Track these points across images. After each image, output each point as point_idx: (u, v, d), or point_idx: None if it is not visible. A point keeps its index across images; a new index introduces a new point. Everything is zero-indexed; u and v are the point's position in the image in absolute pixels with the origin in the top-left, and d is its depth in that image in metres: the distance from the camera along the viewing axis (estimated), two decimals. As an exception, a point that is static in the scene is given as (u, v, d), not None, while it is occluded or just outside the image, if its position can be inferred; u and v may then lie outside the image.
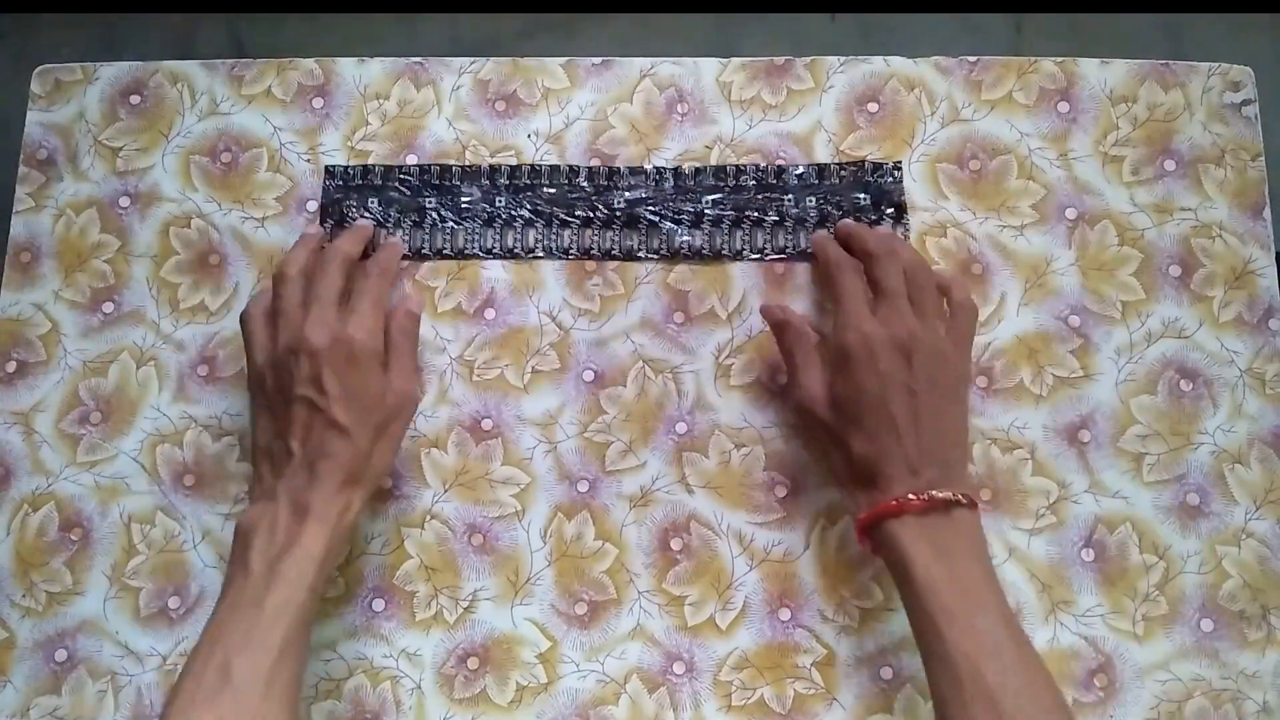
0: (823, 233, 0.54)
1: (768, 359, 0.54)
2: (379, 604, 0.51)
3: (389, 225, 0.56)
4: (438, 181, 0.56)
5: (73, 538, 0.53)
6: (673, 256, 0.55)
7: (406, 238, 0.55)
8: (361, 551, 0.52)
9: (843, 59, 0.58)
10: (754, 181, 0.56)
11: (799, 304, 0.54)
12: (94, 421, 0.54)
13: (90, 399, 0.54)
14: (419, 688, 0.50)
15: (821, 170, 0.56)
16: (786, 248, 0.55)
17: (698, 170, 0.56)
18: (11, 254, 0.56)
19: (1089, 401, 0.53)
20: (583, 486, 0.53)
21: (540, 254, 0.55)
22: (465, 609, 0.51)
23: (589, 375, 0.54)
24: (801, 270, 0.55)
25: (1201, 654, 0.50)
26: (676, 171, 0.56)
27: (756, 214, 0.55)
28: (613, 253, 0.55)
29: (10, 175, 0.57)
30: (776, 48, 0.59)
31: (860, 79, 0.57)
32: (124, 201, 0.57)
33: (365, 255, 0.54)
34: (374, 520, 0.52)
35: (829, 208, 0.55)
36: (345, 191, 0.56)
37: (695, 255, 0.55)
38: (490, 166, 0.56)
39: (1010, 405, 0.53)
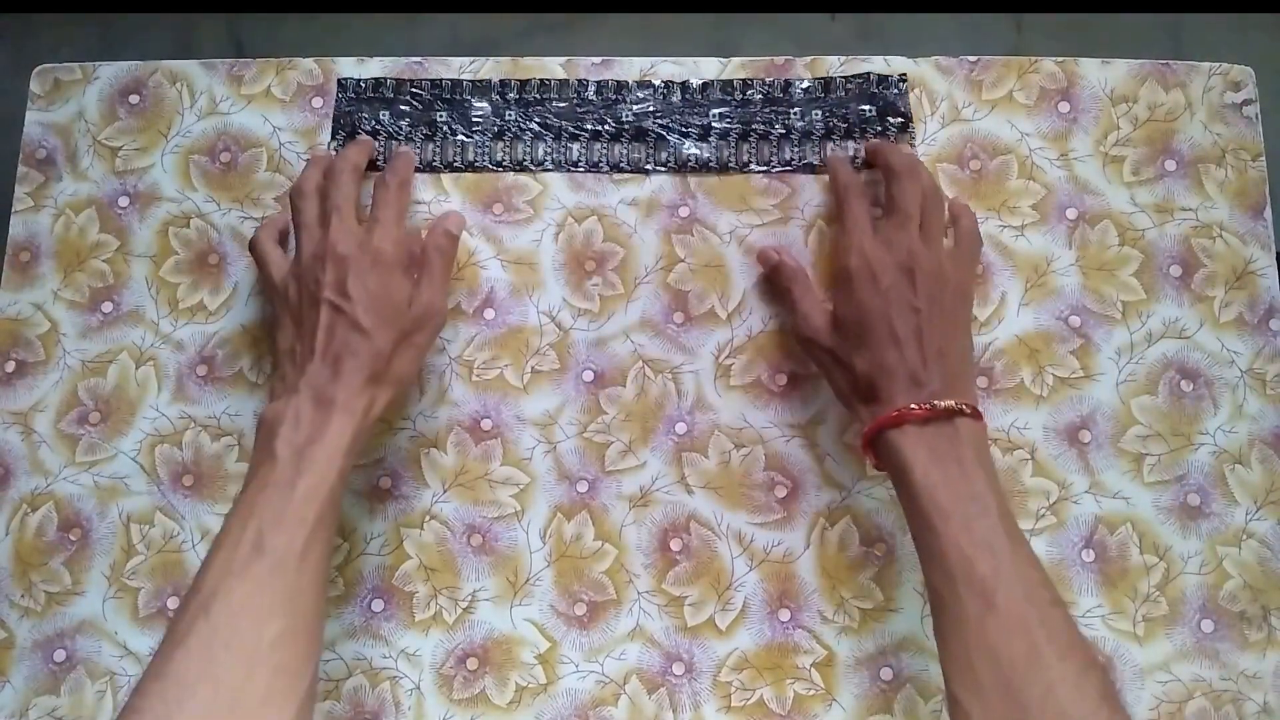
0: (839, 153, 0.55)
1: (768, 359, 0.54)
2: (378, 604, 0.51)
3: (400, 138, 0.56)
4: (449, 95, 0.57)
5: (72, 538, 0.53)
6: (680, 169, 0.56)
7: (418, 150, 0.56)
8: (361, 551, 0.52)
9: (843, 59, 0.58)
10: (760, 95, 0.56)
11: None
12: (93, 421, 0.54)
13: (89, 399, 0.54)
14: (418, 688, 0.50)
15: (827, 84, 0.57)
16: (792, 160, 0.56)
17: (705, 84, 0.57)
18: (10, 254, 0.56)
19: (1089, 402, 0.53)
20: (582, 487, 0.53)
21: (550, 167, 0.56)
22: (464, 609, 0.51)
23: (589, 375, 0.54)
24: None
25: (1202, 655, 0.50)
26: (684, 85, 0.57)
27: (763, 127, 0.56)
28: (621, 165, 0.56)
29: (9, 175, 0.57)
30: (776, 48, 0.59)
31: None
32: (123, 201, 0.57)
33: (374, 167, 0.55)
34: (373, 520, 0.52)
35: (835, 120, 0.56)
36: (357, 104, 0.57)
37: (703, 168, 0.56)
38: (500, 81, 0.57)
39: (1010, 405, 0.53)
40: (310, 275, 0.48)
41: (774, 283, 0.53)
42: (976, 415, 0.45)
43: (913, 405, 0.44)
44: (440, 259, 0.50)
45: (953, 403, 0.44)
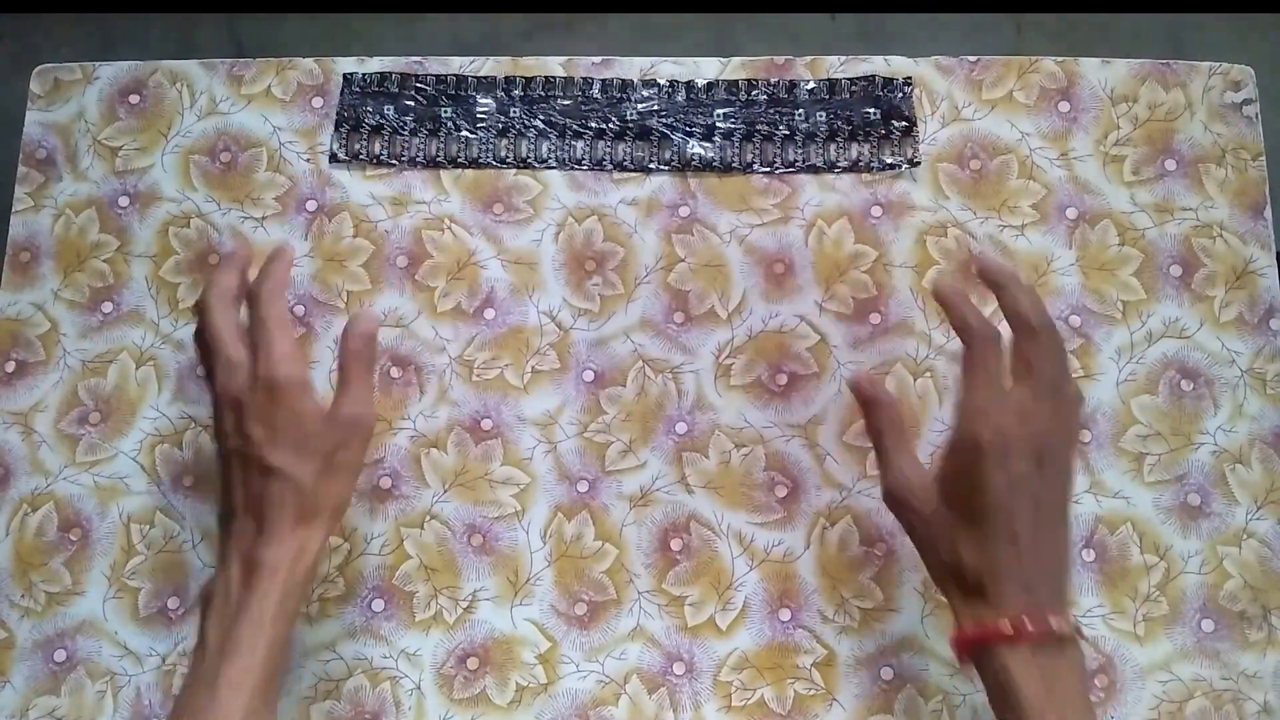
0: (952, 285, 0.45)
1: (768, 359, 0.54)
2: (378, 604, 0.51)
3: (405, 132, 0.56)
4: (454, 91, 0.57)
5: (72, 538, 0.53)
6: (684, 168, 0.55)
7: (422, 146, 0.56)
8: (361, 552, 0.52)
9: (843, 58, 0.58)
10: (765, 96, 0.56)
11: (800, 304, 0.54)
12: (93, 422, 0.54)
13: (89, 399, 0.54)
14: (418, 688, 0.50)
15: (832, 85, 0.57)
16: (795, 162, 0.56)
17: (710, 84, 0.57)
18: (11, 254, 0.56)
19: (1090, 401, 0.53)
20: (583, 486, 0.53)
21: (553, 164, 0.56)
22: (465, 609, 0.51)
23: (589, 375, 0.54)
24: (802, 269, 0.55)
25: (1202, 654, 0.50)
26: (689, 85, 0.57)
27: (767, 128, 0.56)
28: (624, 164, 0.56)
29: (10, 175, 0.57)
30: (776, 48, 0.59)
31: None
32: (123, 201, 0.57)
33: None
34: (374, 520, 0.52)
35: (839, 122, 0.56)
36: (361, 99, 0.57)
37: (706, 167, 0.55)
38: (505, 78, 0.57)
39: (1011, 405, 0.53)
40: (218, 428, 0.45)
41: (864, 416, 0.46)
42: (1080, 635, 0.41)
43: (1026, 620, 0.40)
44: (357, 365, 0.46)
45: (1066, 628, 0.40)
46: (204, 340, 0.46)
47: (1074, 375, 0.47)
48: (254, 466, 0.43)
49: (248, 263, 0.48)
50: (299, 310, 0.55)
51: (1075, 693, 0.40)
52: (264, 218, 0.56)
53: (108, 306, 0.55)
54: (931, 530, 0.43)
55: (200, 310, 0.46)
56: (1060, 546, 0.42)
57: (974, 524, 0.41)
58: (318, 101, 0.58)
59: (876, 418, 0.45)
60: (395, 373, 0.54)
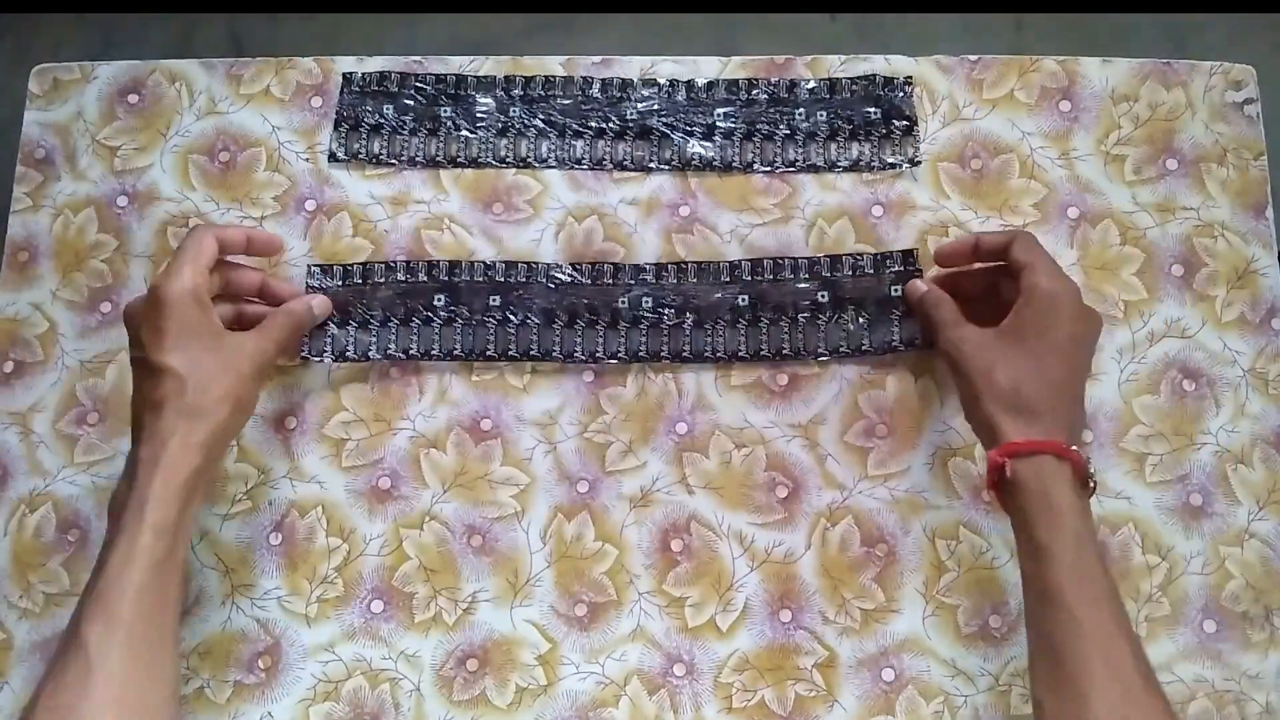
0: (948, 241, 0.52)
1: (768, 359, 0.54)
2: (378, 605, 0.51)
3: (404, 131, 0.56)
4: (453, 91, 0.57)
5: (70, 538, 0.52)
6: (684, 168, 0.55)
7: (422, 145, 0.56)
8: (360, 552, 0.52)
9: (843, 58, 0.58)
10: (765, 95, 0.56)
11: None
12: (91, 422, 0.54)
13: (88, 399, 0.54)
14: (418, 689, 0.50)
15: (833, 85, 0.56)
16: (796, 161, 0.55)
17: (710, 84, 0.56)
18: (9, 253, 0.56)
19: (1092, 401, 0.53)
20: (583, 487, 0.52)
21: (553, 164, 0.56)
22: (464, 610, 0.51)
23: (589, 375, 0.54)
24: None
25: (1204, 655, 0.50)
26: (689, 84, 0.57)
27: (768, 127, 0.56)
28: (624, 164, 0.55)
29: (8, 175, 0.57)
30: (776, 48, 0.59)
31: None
32: (122, 201, 0.57)
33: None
34: (373, 521, 0.52)
35: (840, 122, 0.56)
36: (361, 99, 0.57)
37: (706, 166, 0.55)
38: (505, 78, 0.57)
39: (1012, 405, 0.53)
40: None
41: (918, 312, 0.52)
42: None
43: (1075, 448, 0.44)
44: (287, 319, 0.50)
45: (1091, 469, 0.45)
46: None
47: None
48: (143, 368, 0.45)
49: (246, 243, 0.51)
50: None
51: (1093, 524, 0.44)
52: (263, 217, 0.56)
53: (106, 306, 0.55)
54: (992, 358, 0.46)
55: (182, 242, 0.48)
56: (1081, 403, 0.48)
57: (1041, 358, 0.45)
58: (317, 101, 0.58)
59: (928, 302, 0.50)
60: (395, 373, 0.54)
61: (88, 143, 0.57)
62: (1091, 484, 0.45)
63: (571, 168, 0.56)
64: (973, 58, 0.57)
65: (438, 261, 0.54)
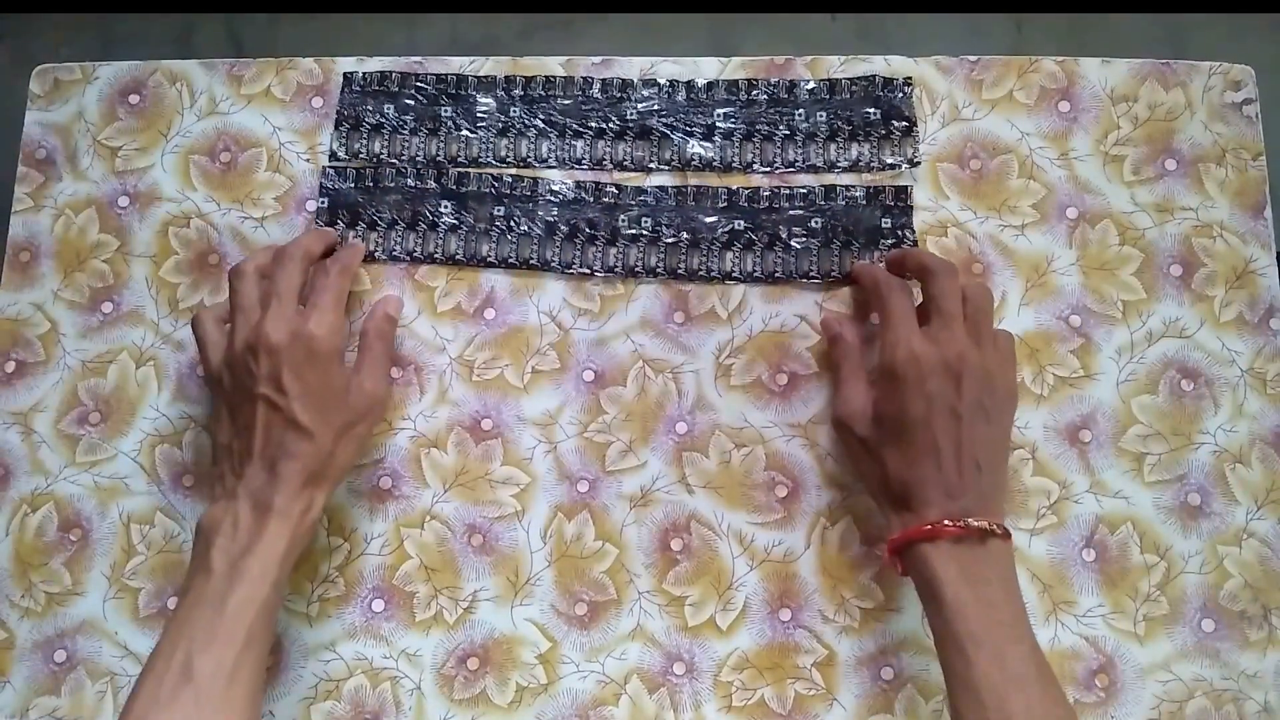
0: (863, 262, 0.54)
1: (768, 359, 0.54)
2: (379, 604, 0.51)
3: (405, 131, 0.56)
4: (454, 91, 0.57)
5: (72, 538, 0.53)
6: (684, 168, 0.55)
7: (422, 145, 0.56)
8: (361, 552, 0.52)
9: (843, 59, 0.58)
10: (765, 96, 0.56)
11: (800, 303, 0.54)
12: (93, 422, 0.54)
13: (89, 399, 0.54)
14: (419, 688, 0.50)
15: (833, 85, 0.56)
16: (795, 162, 0.56)
17: (710, 84, 0.57)
18: (10, 254, 0.56)
19: (1090, 401, 0.53)
20: (583, 486, 0.53)
21: (553, 164, 0.56)
22: (465, 609, 0.51)
23: (589, 375, 0.54)
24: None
25: (1203, 654, 0.50)
26: (689, 85, 0.57)
27: (767, 128, 0.56)
28: (624, 164, 0.56)
29: (9, 175, 0.57)
30: (776, 48, 0.59)
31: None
32: (123, 201, 0.57)
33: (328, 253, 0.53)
34: (373, 520, 0.52)
35: (839, 123, 0.56)
36: (361, 98, 0.57)
37: (706, 166, 0.55)
38: (505, 78, 0.57)
39: (1011, 405, 0.53)
40: (243, 365, 0.46)
41: (829, 349, 0.53)
42: (1006, 536, 0.44)
43: (946, 521, 0.44)
44: (381, 344, 0.50)
45: (986, 523, 0.44)
46: (242, 283, 0.48)
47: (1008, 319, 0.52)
48: (281, 416, 0.45)
49: (329, 242, 0.53)
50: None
51: (997, 577, 0.44)
52: (264, 218, 0.56)
53: (108, 307, 0.55)
54: (867, 450, 0.48)
55: (279, 256, 0.49)
56: (987, 458, 0.45)
57: (899, 441, 0.46)
58: (317, 101, 0.58)
59: (836, 350, 0.51)
60: (395, 373, 0.54)
61: (89, 143, 0.58)
62: (998, 530, 0.44)
63: (572, 167, 0.56)
64: (972, 58, 0.58)
65: (447, 169, 0.55)
